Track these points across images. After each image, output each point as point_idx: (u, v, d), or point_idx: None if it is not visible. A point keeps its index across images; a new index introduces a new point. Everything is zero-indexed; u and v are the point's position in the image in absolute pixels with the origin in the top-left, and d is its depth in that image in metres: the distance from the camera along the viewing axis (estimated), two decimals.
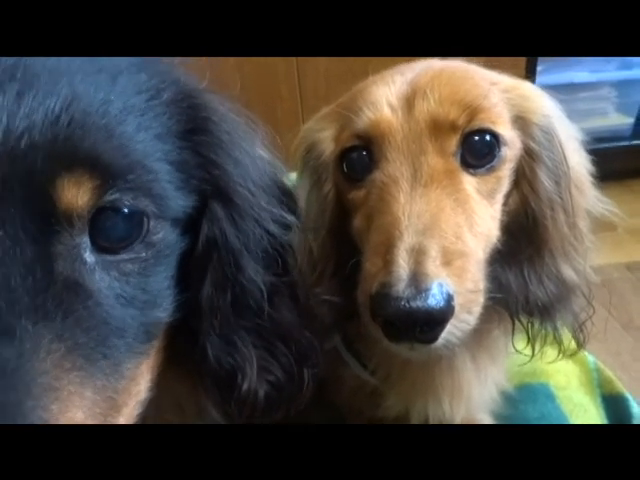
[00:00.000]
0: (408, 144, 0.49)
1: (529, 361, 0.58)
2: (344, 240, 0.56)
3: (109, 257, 0.34)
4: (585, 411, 0.73)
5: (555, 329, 0.55)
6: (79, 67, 0.35)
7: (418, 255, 0.44)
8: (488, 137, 0.50)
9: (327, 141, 0.57)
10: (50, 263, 0.32)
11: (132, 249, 0.35)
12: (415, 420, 0.61)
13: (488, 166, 0.50)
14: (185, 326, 0.40)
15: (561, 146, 0.53)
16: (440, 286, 0.42)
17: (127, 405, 0.35)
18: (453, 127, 0.49)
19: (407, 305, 0.41)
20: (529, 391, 0.76)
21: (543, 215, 0.52)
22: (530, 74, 1.62)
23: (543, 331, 0.55)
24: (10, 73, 0.33)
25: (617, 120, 2.07)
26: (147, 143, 0.36)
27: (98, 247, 0.34)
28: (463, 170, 0.50)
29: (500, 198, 0.52)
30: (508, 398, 0.68)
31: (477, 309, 0.46)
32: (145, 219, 0.35)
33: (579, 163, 0.55)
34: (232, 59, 1.55)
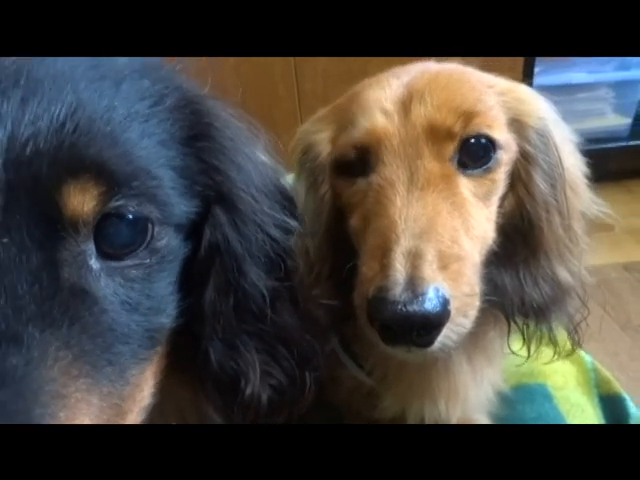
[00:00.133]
0: (405, 148, 0.50)
1: (525, 362, 0.60)
2: (340, 242, 0.57)
3: (114, 263, 0.35)
4: (582, 411, 0.75)
5: (550, 330, 0.57)
6: (82, 74, 0.36)
7: (415, 259, 0.45)
8: (484, 140, 0.52)
9: (324, 143, 0.58)
10: (56, 270, 0.33)
11: (136, 255, 0.36)
12: (411, 421, 0.63)
13: (484, 167, 0.52)
14: (187, 331, 0.41)
15: (556, 148, 0.54)
16: (436, 290, 0.43)
17: (132, 411, 0.36)
18: (450, 134, 0.50)
19: (404, 309, 0.42)
20: (526, 391, 0.77)
21: (538, 217, 0.53)
22: (528, 75, 1.64)
23: (538, 332, 0.57)
24: (14, 79, 0.34)
25: (615, 121, 2.10)
26: (151, 149, 0.37)
27: (103, 253, 0.35)
28: (459, 173, 0.51)
29: (496, 200, 0.53)
30: (505, 398, 0.70)
31: (473, 312, 0.47)
32: (150, 225, 0.36)
33: (574, 165, 0.57)
34: (230, 59, 1.55)
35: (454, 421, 0.62)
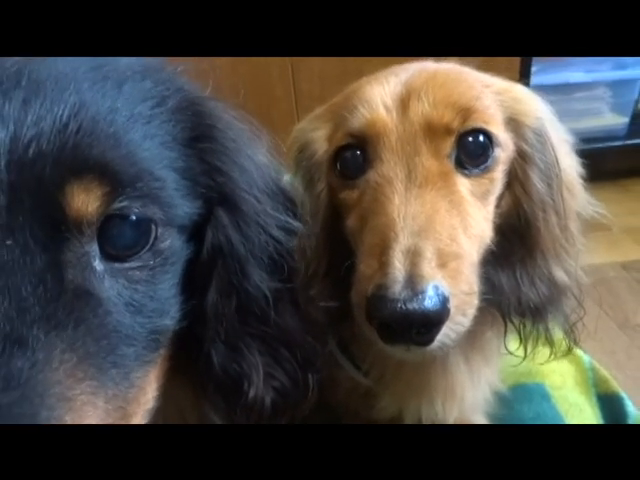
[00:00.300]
0: (402, 145, 0.51)
1: (522, 362, 0.61)
2: (337, 240, 0.57)
3: (117, 265, 0.36)
4: (580, 411, 0.76)
5: (547, 330, 0.58)
6: (85, 75, 0.37)
7: (413, 257, 0.45)
8: (482, 137, 0.53)
9: (320, 141, 0.59)
10: (60, 271, 0.33)
11: (140, 257, 0.36)
12: (409, 421, 0.64)
13: (482, 167, 0.53)
14: (190, 334, 0.41)
15: (553, 148, 0.56)
16: (436, 288, 0.44)
17: (136, 414, 0.36)
18: (447, 130, 0.51)
19: (403, 307, 0.43)
20: (524, 391, 0.78)
21: (535, 217, 0.55)
22: (525, 74, 1.66)
23: (535, 332, 0.58)
24: (15, 80, 0.34)
25: (612, 120, 2.13)
26: (154, 151, 0.37)
27: (106, 255, 0.35)
28: (457, 172, 0.52)
29: (493, 200, 0.54)
30: (503, 398, 0.71)
31: (472, 311, 0.48)
32: (153, 226, 0.37)
33: (570, 166, 0.58)
34: (227, 60, 1.55)
35: (451, 421, 0.63)
